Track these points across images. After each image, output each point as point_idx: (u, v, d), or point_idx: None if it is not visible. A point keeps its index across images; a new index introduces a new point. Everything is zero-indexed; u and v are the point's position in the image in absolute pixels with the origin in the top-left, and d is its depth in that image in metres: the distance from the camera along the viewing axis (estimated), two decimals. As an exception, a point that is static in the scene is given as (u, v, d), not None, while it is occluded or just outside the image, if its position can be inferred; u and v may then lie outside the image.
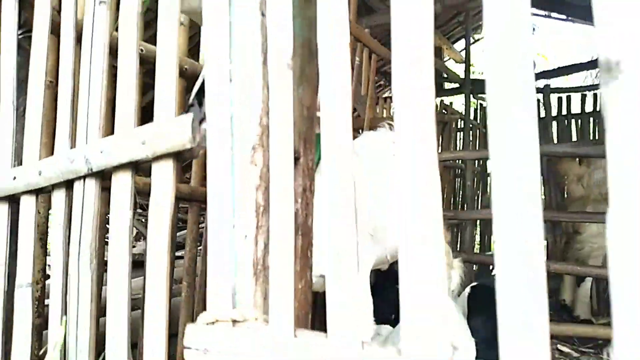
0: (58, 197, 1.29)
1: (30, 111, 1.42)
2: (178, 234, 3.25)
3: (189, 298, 2.17)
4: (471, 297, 2.35)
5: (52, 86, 1.62)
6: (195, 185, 2.24)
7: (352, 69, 3.12)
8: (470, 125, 5.36)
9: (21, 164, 1.47)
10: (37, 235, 1.43)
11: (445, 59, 6.32)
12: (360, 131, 3.01)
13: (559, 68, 5.57)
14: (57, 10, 1.59)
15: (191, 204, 2.23)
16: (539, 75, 5.35)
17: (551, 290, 3.76)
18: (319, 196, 1.08)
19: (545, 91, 4.97)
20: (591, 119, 5.03)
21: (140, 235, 4.28)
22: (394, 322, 2.28)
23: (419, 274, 0.68)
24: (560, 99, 5.17)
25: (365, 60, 3.17)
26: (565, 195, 4.27)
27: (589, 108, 5.10)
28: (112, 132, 1.20)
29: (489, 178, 5.36)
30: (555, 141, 4.84)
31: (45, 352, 1.38)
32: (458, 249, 3.86)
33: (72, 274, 1.21)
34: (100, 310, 1.26)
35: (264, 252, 0.92)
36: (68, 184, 1.28)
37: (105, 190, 1.24)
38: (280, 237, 0.87)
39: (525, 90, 0.61)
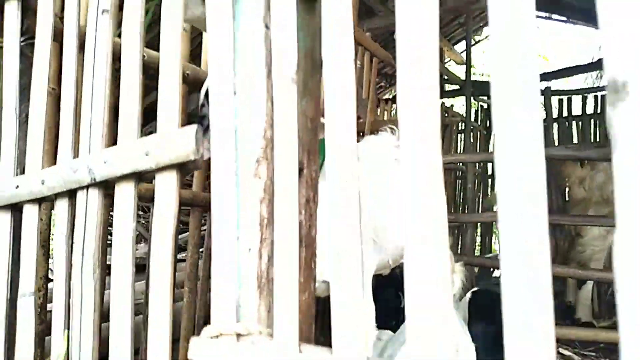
0: (61, 207, 1.29)
1: (33, 119, 1.42)
2: (179, 236, 3.25)
3: (190, 304, 2.17)
4: (472, 303, 2.35)
5: (54, 93, 1.62)
6: (197, 190, 2.24)
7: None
8: (471, 127, 5.36)
9: (23, 171, 1.47)
10: (39, 243, 1.43)
11: (446, 61, 6.32)
12: (362, 134, 3.01)
13: (559, 70, 5.57)
14: (59, 17, 1.59)
15: (193, 209, 2.23)
16: (539, 77, 5.34)
17: (556, 292, 3.75)
18: (322, 202, 1.08)
19: (546, 93, 4.97)
20: (592, 121, 5.03)
21: (141, 238, 4.28)
22: (395, 327, 2.28)
23: (423, 275, 0.68)
24: (561, 100, 5.17)
25: (366, 64, 3.18)
26: (567, 198, 4.27)
27: (589, 110, 5.10)
28: (114, 138, 1.20)
29: (490, 180, 5.37)
30: (556, 143, 4.84)
31: (47, 361, 1.38)
32: (459, 252, 3.86)
33: (75, 284, 1.21)
34: (103, 315, 1.26)
35: (268, 265, 0.92)
36: (71, 193, 1.28)
37: (108, 196, 1.24)
38: (284, 250, 0.87)
39: (526, 90, 0.62)
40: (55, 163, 1.50)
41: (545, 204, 0.59)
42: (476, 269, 4.22)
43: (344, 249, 0.78)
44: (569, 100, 5.15)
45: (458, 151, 5.05)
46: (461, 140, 5.50)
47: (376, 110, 3.74)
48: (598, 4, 0.57)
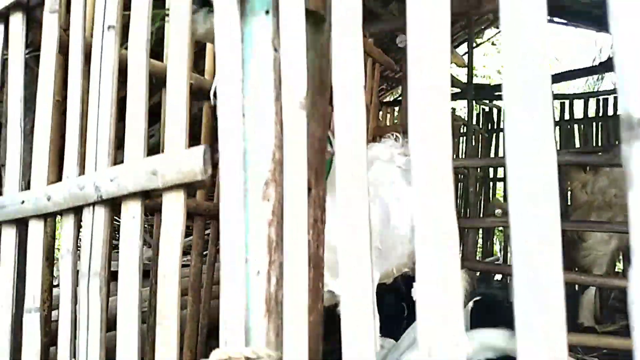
0: (67, 223, 1.29)
1: (39, 133, 1.42)
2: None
3: (194, 313, 2.17)
4: (474, 312, 2.35)
5: (59, 105, 1.61)
6: (200, 200, 2.24)
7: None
8: (473, 131, 5.35)
9: (28, 184, 1.47)
10: (45, 257, 1.43)
11: (447, 63, 6.30)
12: (365, 141, 3.01)
13: (561, 73, 5.56)
14: (64, 29, 1.59)
15: (196, 218, 2.23)
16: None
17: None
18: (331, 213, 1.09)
19: (548, 96, 4.96)
20: (594, 124, 5.03)
21: (144, 242, 4.27)
22: (397, 335, 2.28)
23: (433, 279, 0.68)
24: (562, 104, 5.16)
25: (368, 70, 3.17)
26: (569, 202, 4.27)
27: (591, 113, 5.10)
28: (119, 149, 1.20)
29: (491, 183, 5.37)
30: (558, 147, 4.84)
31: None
32: (461, 257, 3.86)
33: (81, 301, 1.21)
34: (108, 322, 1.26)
35: (277, 288, 0.92)
36: (76, 210, 1.28)
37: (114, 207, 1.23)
38: (294, 274, 0.87)
39: (526, 91, 0.62)
40: (60, 175, 1.50)
41: (549, 205, 0.59)
42: (477, 272, 4.22)
43: (353, 261, 0.79)
44: (571, 103, 5.14)
45: (460, 155, 5.04)
46: (463, 142, 5.49)
47: (378, 115, 3.74)
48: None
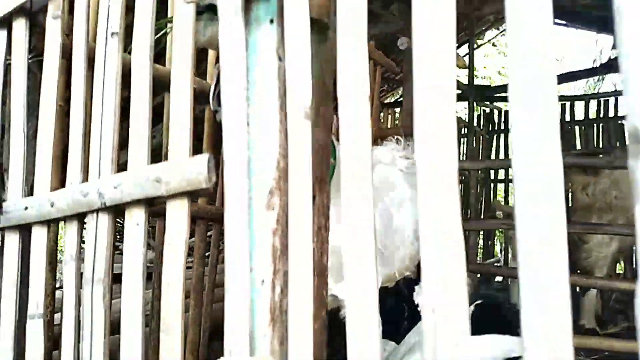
0: (70, 230, 1.29)
1: (42, 140, 1.42)
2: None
3: (196, 316, 2.17)
4: (474, 316, 2.34)
5: (61, 109, 1.61)
6: (202, 203, 2.24)
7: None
8: (474, 132, 5.35)
9: (31, 189, 1.47)
10: (48, 263, 1.43)
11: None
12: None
13: (561, 75, 5.56)
14: (66, 34, 1.59)
15: (198, 222, 2.23)
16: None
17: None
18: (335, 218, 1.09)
19: (549, 98, 4.96)
20: (595, 126, 5.02)
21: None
22: (398, 338, 2.28)
23: (439, 281, 0.68)
24: (563, 105, 5.16)
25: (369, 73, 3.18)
26: (570, 204, 4.27)
27: (591, 114, 5.10)
28: (122, 149, 1.19)
29: (492, 185, 5.37)
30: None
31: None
32: (462, 258, 3.85)
33: (85, 307, 1.21)
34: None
35: (281, 297, 0.92)
36: (80, 216, 1.28)
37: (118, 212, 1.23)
38: (299, 283, 0.87)
39: (531, 92, 0.62)
40: (62, 180, 1.50)
41: (554, 205, 0.59)
42: (478, 274, 4.22)
43: (358, 263, 0.79)
44: (572, 105, 5.14)
45: (461, 156, 5.04)
46: (464, 145, 5.48)
47: (379, 117, 3.74)
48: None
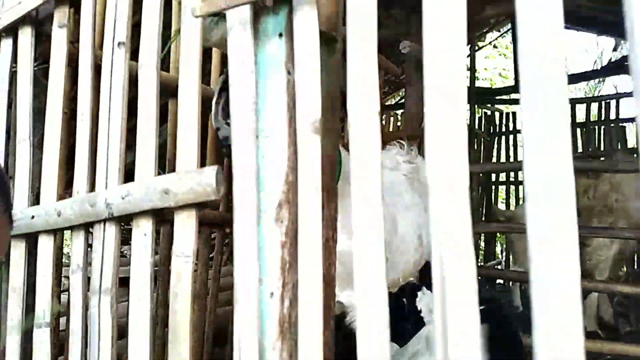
0: (77, 239, 1.29)
1: (48, 149, 1.42)
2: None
3: (199, 322, 2.18)
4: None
5: (66, 117, 1.62)
6: (206, 209, 2.24)
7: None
8: (475, 135, 5.36)
9: (37, 196, 1.48)
10: (54, 272, 1.43)
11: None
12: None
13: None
14: (71, 41, 1.59)
15: (202, 227, 2.24)
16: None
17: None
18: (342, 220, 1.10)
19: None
20: (596, 128, 5.03)
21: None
22: (402, 341, 2.28)
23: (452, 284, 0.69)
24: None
25: (372, 76, 3.17)
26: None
27: (592, 117, 5.10)
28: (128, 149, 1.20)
29: (494, 187, 5.37)
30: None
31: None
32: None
33: (92, 318, 1.22)
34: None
35: (290, 309, 0.93)
36: (86, 225, 1.28)
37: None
38: (308, 297, 0.87)
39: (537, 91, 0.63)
40: (67, 187, 1.51)
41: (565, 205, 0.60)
42: (479, 277, 4.22)
43: (368, 271, 0.80)
44: (573, 107, 5.14)
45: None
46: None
47: (382, 119, 3.74)
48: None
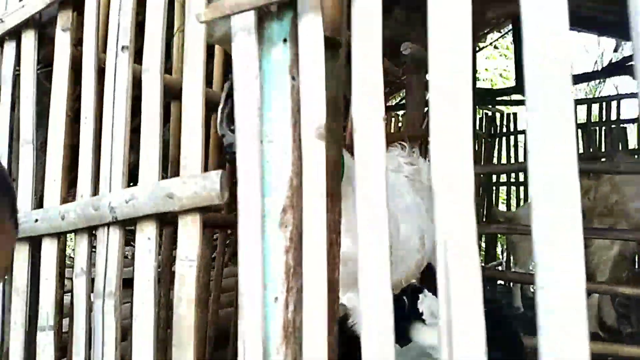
0: (81, 243, 1.30)
1: (52, 152, 1.43)
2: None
3: (201, 324, 2.18)
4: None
5: (69, 119, 1.62)
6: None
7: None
8: (476, 136, 5.35)
9: (40, 200, 1.48)
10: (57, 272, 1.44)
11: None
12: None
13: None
14: (74, 45, 1.59)
15: (204, 230, 2.24)
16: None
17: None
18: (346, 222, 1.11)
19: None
20: (597, 129, 5.02)
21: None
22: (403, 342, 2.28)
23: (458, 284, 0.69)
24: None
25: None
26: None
27: (593, 117, 5.10)
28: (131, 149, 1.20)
29: (494, 188, 5.37)
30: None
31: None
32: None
33: (96, 321, 1.22)
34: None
35: (294, 314, 0.93)
36: (90, 229, 1.29)
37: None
38: (312, 301, 0.88)
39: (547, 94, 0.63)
40: (70, 189, 1.51)
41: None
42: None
43: (372, 274, 0.81)
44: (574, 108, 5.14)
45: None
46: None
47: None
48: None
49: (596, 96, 6.19)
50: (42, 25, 1.55)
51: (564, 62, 0.63)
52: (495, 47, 7.92)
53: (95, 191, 1.30)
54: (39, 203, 1.50)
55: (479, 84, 5.72)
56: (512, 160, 5.18)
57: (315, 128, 0.88)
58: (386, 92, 6.25)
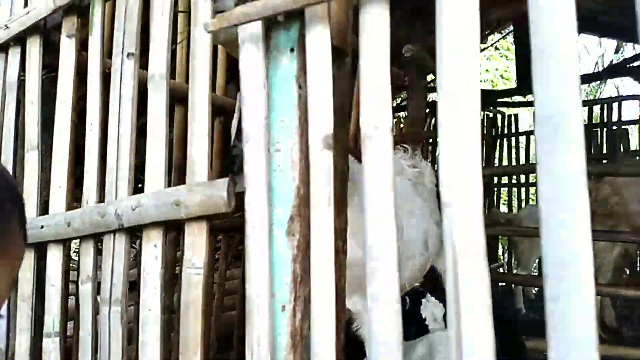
0: (86, 250, 1.30)
1: (56, 157, 1.43)
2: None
3: (205, 327, 2.18)
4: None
5: (74, 125, 1.62)
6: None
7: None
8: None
9: (45, 204, 1.48)
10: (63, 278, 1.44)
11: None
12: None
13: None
14: (79, 50, 1.60)
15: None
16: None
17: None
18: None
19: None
20: (598, 131, 5.02)
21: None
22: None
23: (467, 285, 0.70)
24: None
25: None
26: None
27: (594, 119, 5.10)
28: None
29: (495, 189, 5.37)
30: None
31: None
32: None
33: (102, 328, 1.22)
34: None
35: (302, 322, 0.93)
36: (96, 236, 1.29)
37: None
38: (320, 309, 0.88)
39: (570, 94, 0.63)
40: (74, 194, 1.51)
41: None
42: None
43: (381, 277, 0.81)
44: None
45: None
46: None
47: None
48: None
49: (597, 97, 6.18)
50: (47, 31, 1.55)
51: (571, 60, 0.63)
52: (496, 48, 7.92)
53: (101, 197, 1.30)
54: (43, 208, 1.50)
55: (480, 85, 5.71)
56: (513, 162, 5.18)
57: (323, 137, 0.89)
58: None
